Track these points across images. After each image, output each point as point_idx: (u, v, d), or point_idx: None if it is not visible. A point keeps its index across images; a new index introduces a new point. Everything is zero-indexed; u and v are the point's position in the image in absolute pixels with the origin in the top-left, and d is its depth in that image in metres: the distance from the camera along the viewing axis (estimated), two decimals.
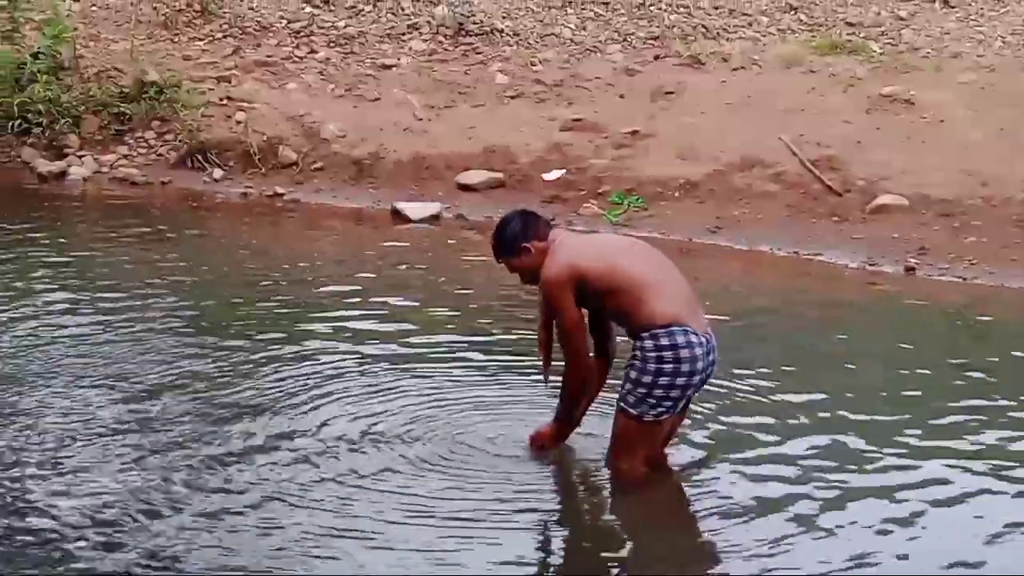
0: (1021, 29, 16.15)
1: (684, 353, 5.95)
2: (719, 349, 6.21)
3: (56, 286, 10.23)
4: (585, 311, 6.27)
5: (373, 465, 6.63)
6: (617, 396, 6.23)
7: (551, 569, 5.90)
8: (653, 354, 5.97)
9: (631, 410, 6.12)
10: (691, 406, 6.70)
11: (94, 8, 17.86)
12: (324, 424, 7.18)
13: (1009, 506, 6.38)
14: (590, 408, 6.63)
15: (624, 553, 6.01)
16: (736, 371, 8.13)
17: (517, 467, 6.62)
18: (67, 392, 7.64)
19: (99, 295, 9.92)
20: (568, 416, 6.47)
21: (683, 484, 6.59)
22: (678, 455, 6.77)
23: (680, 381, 6.00)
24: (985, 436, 7.20)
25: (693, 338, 5.98)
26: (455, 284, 10.49)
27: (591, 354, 6.35)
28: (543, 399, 7.38)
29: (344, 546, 5.79)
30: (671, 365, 5.96)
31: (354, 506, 6.18)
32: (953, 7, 17.23)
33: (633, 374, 6.06)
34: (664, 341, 5.96)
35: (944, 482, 6.58)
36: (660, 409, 6.08)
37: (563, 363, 6.31)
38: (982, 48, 15.82)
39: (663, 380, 5.99)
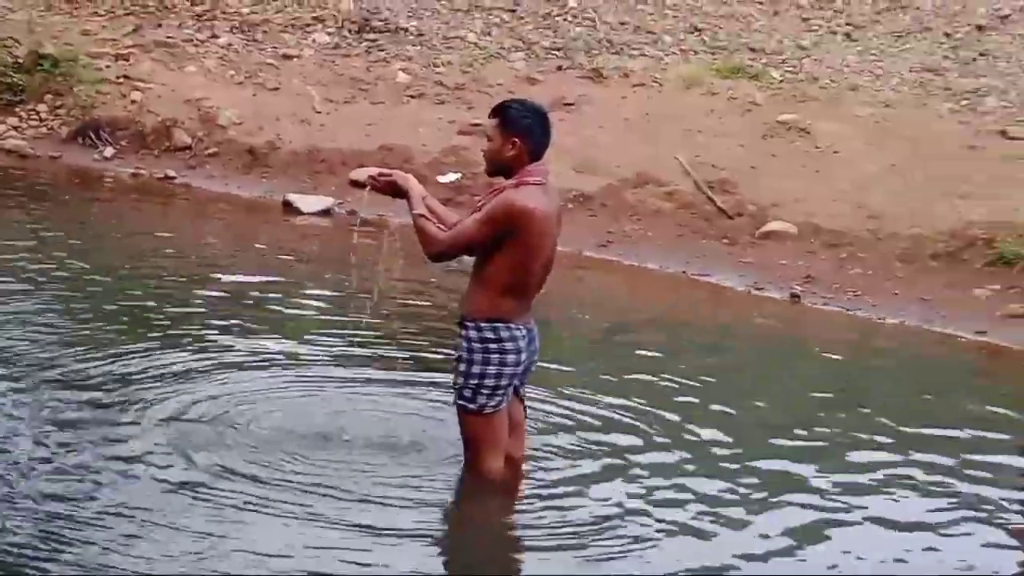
0: (919, 67, 16.38)
1: (508, 345, 6.14)
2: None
3: None
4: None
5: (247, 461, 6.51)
6: (453, 397, 6.30)
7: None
8: (479, 345, 6.14)
9: (471, 405, 6.22)
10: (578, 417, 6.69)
11: None
12: (201, 411, 7.06)
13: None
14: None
15: (496, 554, 5.99)
16: (610, 380, 8.23)
17: (394, 473, 6.53)
18: None
19: None
20: (413, 214, 6.21)
21: (548, 483, 6.56)
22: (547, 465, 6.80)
23: (508, 371, 6.16)
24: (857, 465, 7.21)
25: (517, 332, 6.16)
26: (341, 278, 10.36)
27: (441, 262, 6.28)
28: (424, 389, 7.40)
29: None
30: (497, 356, 6.13)
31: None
32: (855, 40, 17.46)
33: (463, 367, 6.18)
34: (488, 335, 6.13)
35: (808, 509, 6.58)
36: (498, 398, 6.21)
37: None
38: (880, 83, 16.04)
39: (491, 369, 6.14)
